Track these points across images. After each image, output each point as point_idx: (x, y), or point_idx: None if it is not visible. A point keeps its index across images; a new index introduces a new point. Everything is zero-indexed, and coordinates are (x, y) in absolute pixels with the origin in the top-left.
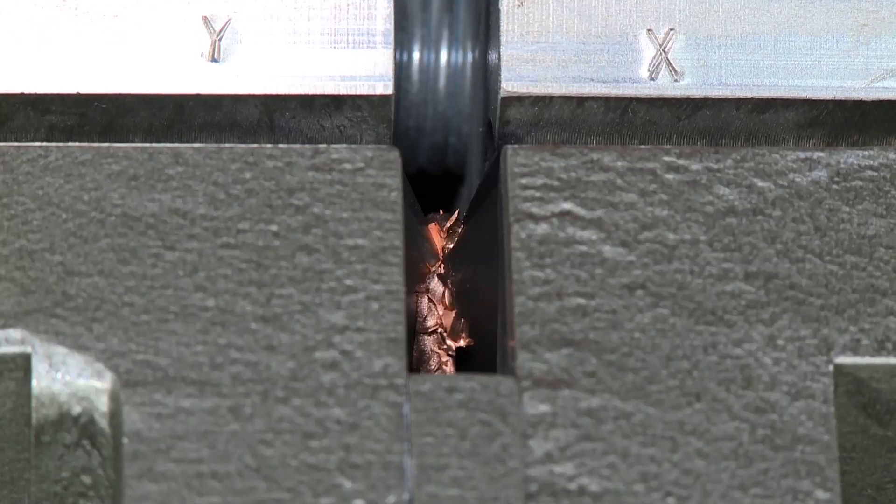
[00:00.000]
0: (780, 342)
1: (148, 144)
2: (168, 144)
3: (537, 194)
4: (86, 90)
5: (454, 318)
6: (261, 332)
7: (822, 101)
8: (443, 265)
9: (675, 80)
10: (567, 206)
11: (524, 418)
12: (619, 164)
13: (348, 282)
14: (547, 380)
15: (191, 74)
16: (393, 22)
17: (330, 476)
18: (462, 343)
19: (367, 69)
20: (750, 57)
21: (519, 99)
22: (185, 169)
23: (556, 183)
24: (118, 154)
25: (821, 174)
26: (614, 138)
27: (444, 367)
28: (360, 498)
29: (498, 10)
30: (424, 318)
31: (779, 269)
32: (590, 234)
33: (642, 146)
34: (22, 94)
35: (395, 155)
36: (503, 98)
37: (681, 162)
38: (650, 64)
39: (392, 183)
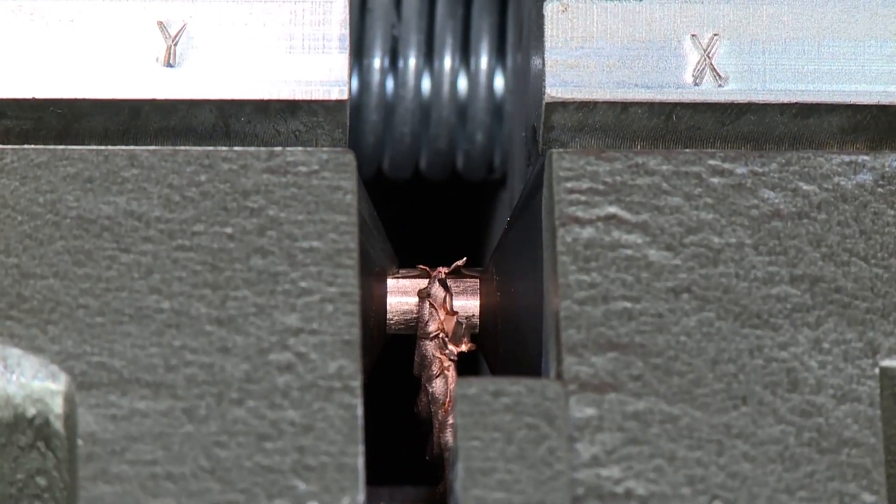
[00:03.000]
0: (826, 345)
1: (103, 147)
2: (123, 147)
3: (583, 198)
4: (41, 95)
5: (455, 322)
6: (215, 335)
7: (866, 105)
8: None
9: (720, 86)
10: (612, 209)
11: (571, 422)
12: (665, 167)
13: (303, 284)
14: (593, 383)
15: (146, 79)
16: (349, 27)
17: (284, 478)
18: (464, 348)
19: (322, 74)
20: (794, 62)
21: (563, 104)
22: (140, 171)
23: (601, 187)
24: (73, 156)
25: (865, 177)
26: (658, 144)
27: (445, 371)
28: (314, 500)
29: (542, 16)
30: (426, 324)
31: (824, 273)
32: (635, 238)
33: (687, 150)
34: None
35: (349, 157)
36: (547, 104)
37: (726, 165)
38: (694, 69)
39: (347, 185)
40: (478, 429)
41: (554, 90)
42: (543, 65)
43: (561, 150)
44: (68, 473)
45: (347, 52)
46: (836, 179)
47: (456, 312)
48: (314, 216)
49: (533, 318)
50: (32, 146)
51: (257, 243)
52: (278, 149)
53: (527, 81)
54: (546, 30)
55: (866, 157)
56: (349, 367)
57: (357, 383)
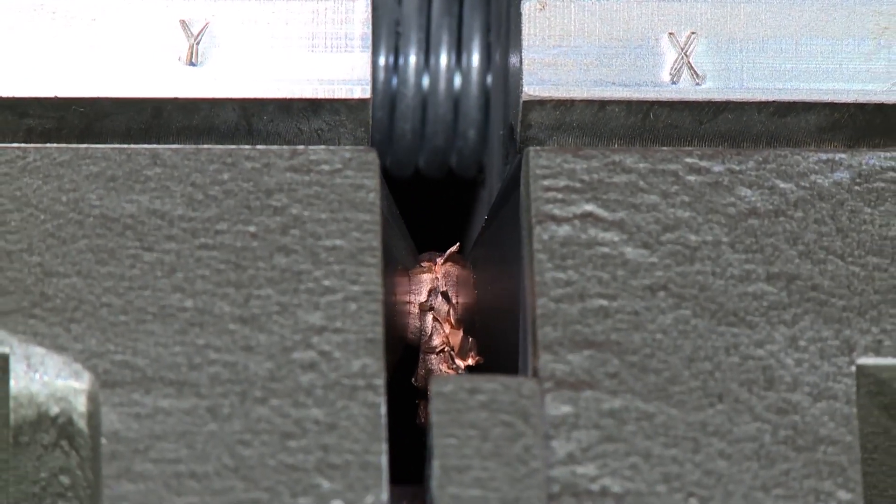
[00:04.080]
0: (802, 343)
1: (126, 146)
2: (146, 146)
3: (559, 196)
4: (64, 94)
5: (462, 336)
6: (239, 333)
7: (844, 104)
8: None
9: (697, 84)
10: (589, 207)
11: (546, 419)
12: (642, 165)
13: (326, 282)
14: (569, 381)
15: (168, 78)
16: (371, 26)
17: (308, 476)
18: (471, 362)
19: (344, 73)
20: (771, 60)
21: (541, 103)
22: (163, 170)
23: (578, 184)
24: (96, 155)
25: (842, 175)
26: (636, 142)
27: None
28: (338, 498)
29: (519, 14)
30: (429, 338)
31: (801, 271)
32: (612, 236)
33: (664, 148)
34: None
35: (372, 156)
36: (525, 102)
37: (703, 163)
38: (672, 67)
39: (370, 184)
40: (454, 426)
41: (531, 88)
42: (521, 63)
43: (538, 147)
44: (92, 472)
45: (370, 50)
46: (812, 177)
47: (461, 325)
48: (337, 214)
49: (510, 315)
50: (55, 145)
51: (280, 242)
52: (301, 147)
53: (505, 79)
54: (523, 28)
55: (843, 156)
56: (373, 366)
57: (381, 381)
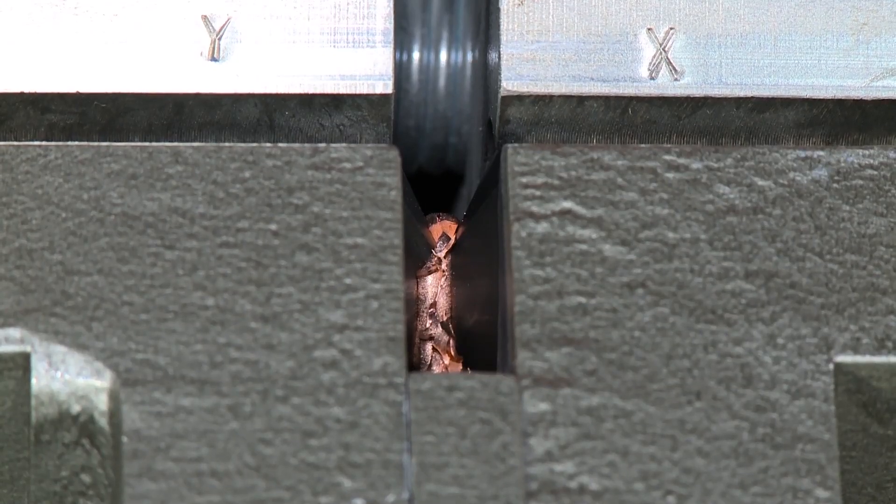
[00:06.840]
0: (781, 341)
1: (147, 144)
2: (167, 143)
3: (538, 193)
4: (85, 89)
5: (461, 369)
6: (260, 331)
7: (823, 100)
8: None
9: (675, 80)
10: (567, 204)
11: (524, 417)
12: (620, 162)
13: (348, 281)
14: (547, 378)
15: (190, 73)
16: (393, 21)
17: (329, 474)
18: None
19: (366, 68)
20: (750, 56)
21: (519, 98)
22: (184, 168)
23: (556, 182)
24: (117, 153)
25: (821, 173)
26: (614, 138)
27: None
28: (359, 496)
29: (498, 10)
30: (428, 368)
31: (779, 268)
32: (590, 233)
33: (642, 145)
34: (21, 94)
35: (394, 154)
36: (503, 97)
37: (681, 161)
38: (650, 63)
39: (391, 182)
40: (432, 424)
41: (510, 84)
42: (499, 58)
43: (516, 144)
44: (113, 470)
45: (392, 46)
46: (791, 175)
47: (461, 358)
48: (359, 212)
49: (488, 312)
50: (76, 143)
51: (302, 240)
52: (322, 145)
53: (485, 75)
54: (502, 23)
55: (822, 153)
56: (394, 364)
57: (402, 380)
